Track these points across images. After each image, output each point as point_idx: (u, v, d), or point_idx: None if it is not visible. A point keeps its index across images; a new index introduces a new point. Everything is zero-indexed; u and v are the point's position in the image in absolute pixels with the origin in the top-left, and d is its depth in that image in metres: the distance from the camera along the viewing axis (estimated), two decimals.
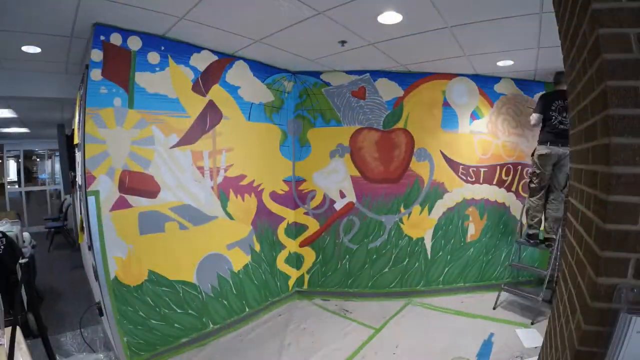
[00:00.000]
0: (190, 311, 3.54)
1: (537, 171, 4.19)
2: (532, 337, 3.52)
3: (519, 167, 4.78)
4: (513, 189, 4.79)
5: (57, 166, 10.40)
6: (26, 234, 4.74)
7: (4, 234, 3.82)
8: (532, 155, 4.31)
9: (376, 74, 4.42)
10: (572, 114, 1.49)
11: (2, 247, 3.67)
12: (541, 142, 4.17)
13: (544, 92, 4.47)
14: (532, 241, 4.30)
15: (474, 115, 4.63)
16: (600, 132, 1.06)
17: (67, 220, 8.36)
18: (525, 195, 4.78)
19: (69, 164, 5.31)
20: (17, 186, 10.82)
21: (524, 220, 4.49)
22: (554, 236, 4.13)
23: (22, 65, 3.89)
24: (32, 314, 3.27)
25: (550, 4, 1.70)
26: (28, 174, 11.59)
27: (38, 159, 12.49)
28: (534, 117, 4.19)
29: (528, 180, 4.47)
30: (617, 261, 0.99)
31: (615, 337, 0.98)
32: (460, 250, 4.71)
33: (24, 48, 3.40)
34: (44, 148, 11.30)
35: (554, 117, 4.06)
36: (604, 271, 1.00)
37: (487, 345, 3.41)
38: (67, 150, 5.29)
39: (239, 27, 3.09)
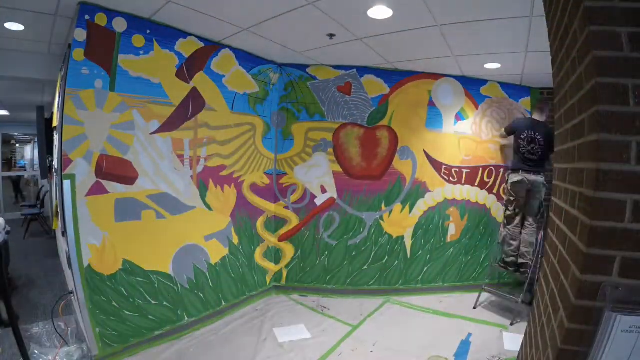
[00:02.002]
0: (165, 303, 3.46)
1: (512, 198, 4.27)
2: (515, 340, 3.49)
3: (501, 170, 4.82)
4: (494, 191, 4.83)
5: (37, 152, 10.14)
6: (0, 220, 4.62)
7: None
8: (506, 183, 4.41)
9: (363, 70, 4.40)
10: (558, 115, 1.49)
11: None
12: (513, 169, 4.30)
13: (519, 117, 4.65)
14: (510, 268, 4.30)
15: (459, 116, 4.65)
16: (588, 129, 1.05)
17: (43, 208, 8.14)
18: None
19: (46, 148, 5.16)
20: None
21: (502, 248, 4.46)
22: (529, 261, 4.14)
23: (3, 43, 3.76)
24: (3, 302, 3.21)
25: (541, 7, 1.70)
26: (7, 160, 11.35)
27: (17, 144, 12.23)
28: (502, 138, 4.58)
29: (503, 208, 4.54)
30: (602, 259, 0.98)
31: (600, 336, 0.97)
32: (440, 250, 4.73)
33: (7, 25, 3.28)
34: (23, 133, 10.98)
35: (522, 147, 4.18)
36: (589, 269, 0.99)
37: (464, 345, 3.42)
38: (46, 133, 5.13)
39: (227, 13, 3.02)
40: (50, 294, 4.46)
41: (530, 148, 4.13)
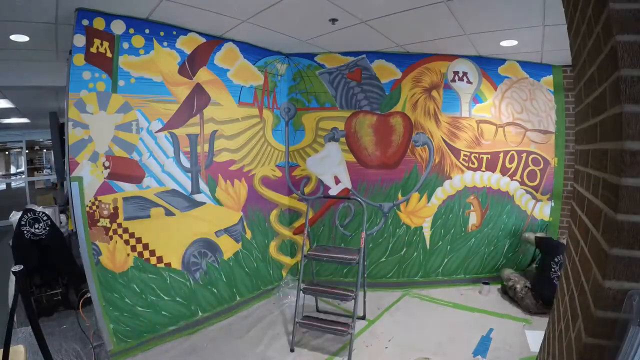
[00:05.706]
0: (178, 299, 3.45)
1: None
2: (538, 337, 3.27)
3: (524, 155, 4.56)
4: (517, 177, 4.58)
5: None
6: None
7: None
8: None
9: (373, 55, 4.22)
10: (577, 89, 1.31)
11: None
12: None
13: None
14: None
15: (477, 99, 4.42)
16: (610, 101, 0.87)
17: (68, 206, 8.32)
18: (531, 184, 4.59)
19: (61, 152, 5.23)
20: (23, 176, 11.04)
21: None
22: None
23: (13, 55, 3.81)
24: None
25: None
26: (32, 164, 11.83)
27: (44, 150, 12.71)
28: None
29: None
30: (629, 261, 0.80)
31: (623, 355, 0.79)
32: (461, 240, 4.53)
33: (12, 37, 3.33)
34: (47, 138, 11.32)
35: None
36: (613, 273, 0.81)
37: (485, 341, 3.25)
38: (60, 137, 5.20)
39: (223, 6, 2.94)
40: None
41: None
